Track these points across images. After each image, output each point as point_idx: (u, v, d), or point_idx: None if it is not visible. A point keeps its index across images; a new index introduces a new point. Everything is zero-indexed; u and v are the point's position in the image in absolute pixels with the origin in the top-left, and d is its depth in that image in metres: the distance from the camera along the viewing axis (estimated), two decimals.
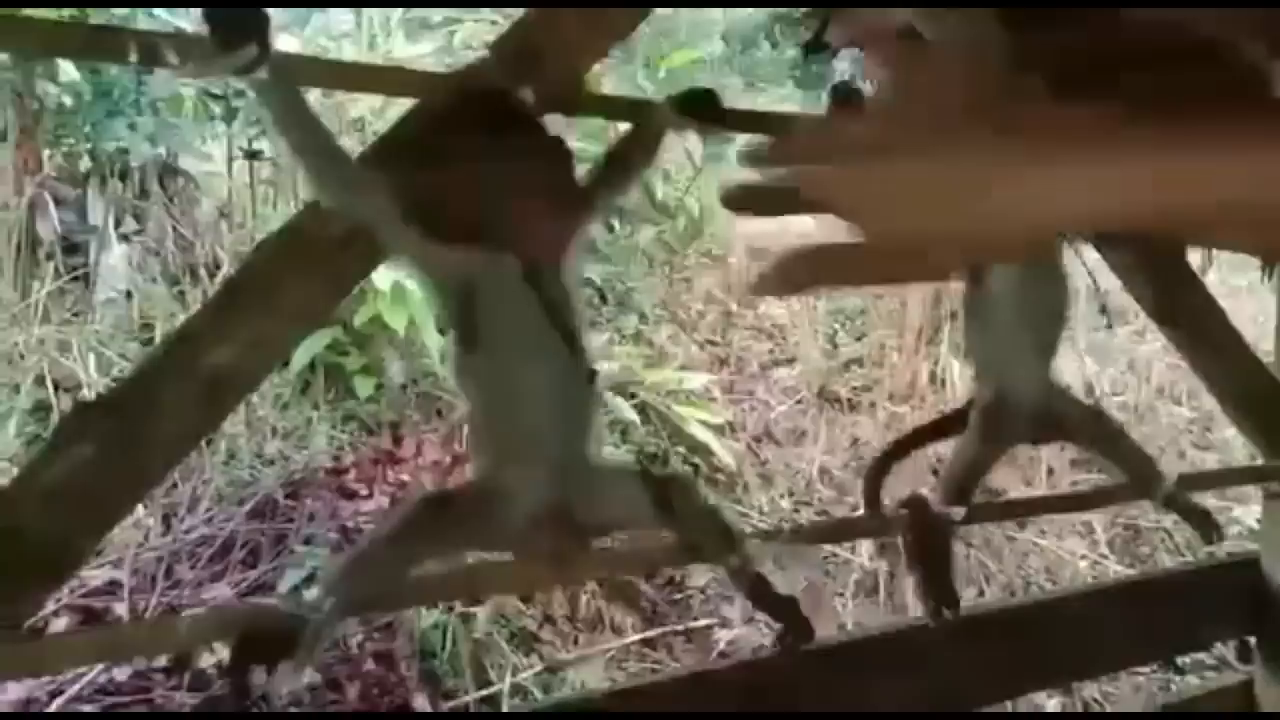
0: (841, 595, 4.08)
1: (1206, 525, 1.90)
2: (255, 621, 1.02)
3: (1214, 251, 2.62)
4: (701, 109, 1.35)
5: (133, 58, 0.98)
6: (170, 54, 0.97)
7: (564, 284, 1.24)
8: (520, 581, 1.84)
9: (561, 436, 1.26)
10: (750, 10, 9.11)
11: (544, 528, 1.26)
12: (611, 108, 1.66)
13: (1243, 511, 4.32)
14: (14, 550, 1.02)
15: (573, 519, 1.27)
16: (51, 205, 4.00)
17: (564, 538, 1.28)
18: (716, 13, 9.22)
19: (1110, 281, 2.42)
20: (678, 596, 3.95)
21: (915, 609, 3.98)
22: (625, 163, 1.36)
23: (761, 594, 1.40)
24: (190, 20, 3.86)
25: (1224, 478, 3.04)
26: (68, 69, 3.99)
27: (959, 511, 1.65)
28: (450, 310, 1.22)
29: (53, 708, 2.79)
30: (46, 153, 4.18)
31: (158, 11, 4.07)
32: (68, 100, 4.17)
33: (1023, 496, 4.09)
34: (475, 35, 5.16)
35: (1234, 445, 5.35)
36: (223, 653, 2.53)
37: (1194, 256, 2.45)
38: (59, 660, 1.22)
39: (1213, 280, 2.58)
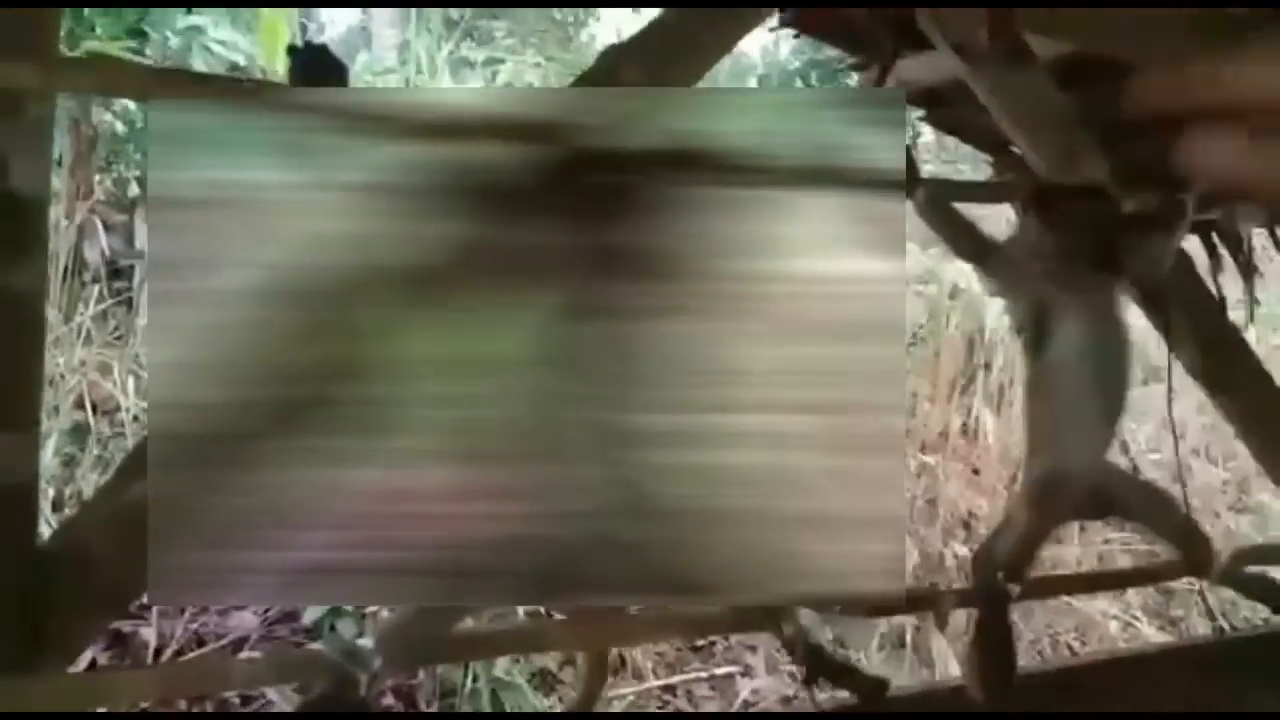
0: (867, 649, 4.02)
1: (1275, 597, 1.86)
2: (308, 669, 1.04)
3: (1253, 309, 2.60)
4: None
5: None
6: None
7: None
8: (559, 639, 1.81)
9: None
10: (786, 55, 9.23)
11: None
12: None
13: None
14: (80, 579, 1.04)
15: None
16: (100, 230, 4.09)
17: None
18: (754, 56, 9.32)
19: (1145, 336, 2.39)
20: (701, 643, 3.91)
21: (942, 664, 3.92)
22: None
23: (820, 664, 1.38)
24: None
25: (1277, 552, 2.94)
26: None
27: (1015, 588, 1.61)
28: None
29: None
30: (97, 178, 4.27)
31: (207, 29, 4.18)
32: (120, 128, 4.27)
33: (1079, 571, 4.03)
34: (518, 75, 5.25)
35: (1270, 508, 5.25)
36: None
37: (1235, 314, 2.43)
38: (114, 695, 1.23)
39: (1252, 337, 2.54)
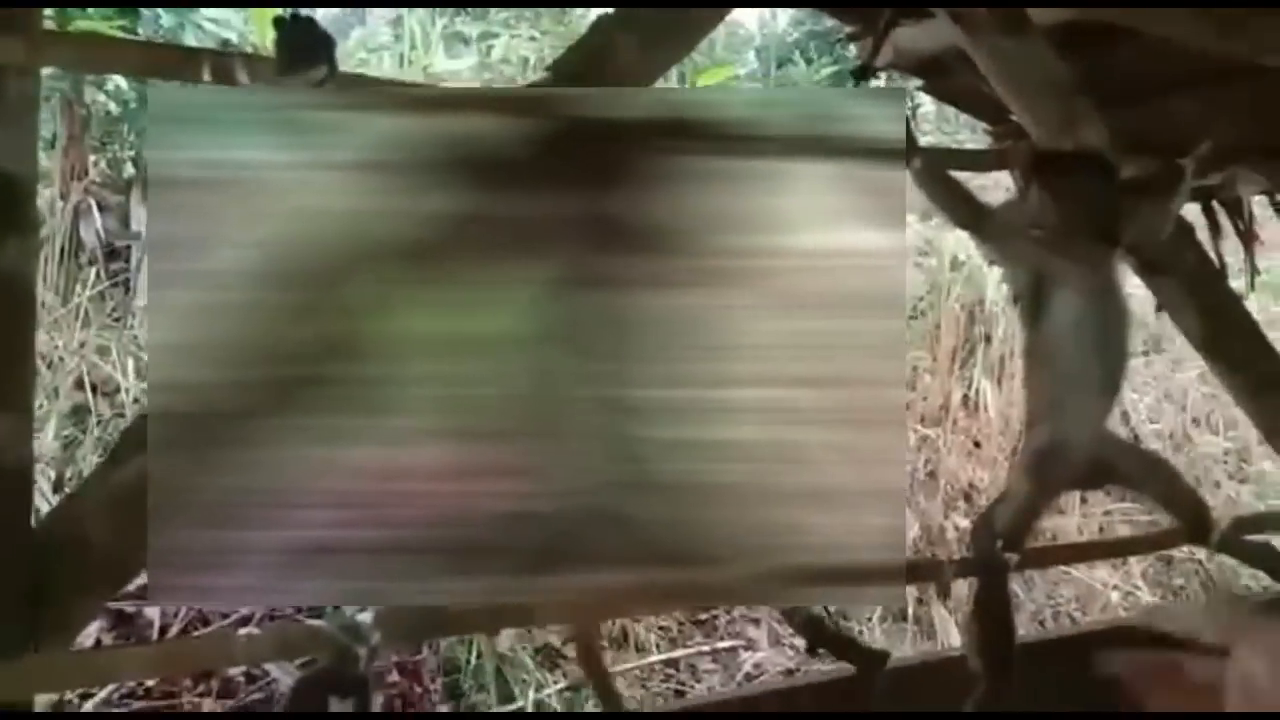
0: (869, 620, 4.04)
1: (1275, 563, 1.86)
2: (308, 644, 1.04)
3: (1254, 276, 2.58)
4: None
5: (206, 77, 1.01)
6: (242, 73, 1.01)
7: None
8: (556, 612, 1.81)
9: None
10: (785, 26, 9.15)
11: None
12: None
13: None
14: (77, 559, 1.04)
15: None
16: (95, 211, 4.06)
17: None
18: (752, 28, 9.23)
19: (1146, 307, 2.38)
20: (703, 617, 3.93)
21: (945, 634, 3.94)
22: None
23: (820, 636, 1.39)
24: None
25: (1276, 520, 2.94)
26: (116, 77, 4.05)
27: (1013, 557, 1.61)
28: None
29: (85, 708, 2.81)
30: (92, 158, 4.24)
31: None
32: (114, 108, 4.23)
33: (1078, 540, 4.05)
34: (513, 50, 5.21)
35: (1270, 477, 5.26)
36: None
37: (1235, 283, 2.42)
38: (117, 672, 1.25)
39: (1253, 306, 2.53)
